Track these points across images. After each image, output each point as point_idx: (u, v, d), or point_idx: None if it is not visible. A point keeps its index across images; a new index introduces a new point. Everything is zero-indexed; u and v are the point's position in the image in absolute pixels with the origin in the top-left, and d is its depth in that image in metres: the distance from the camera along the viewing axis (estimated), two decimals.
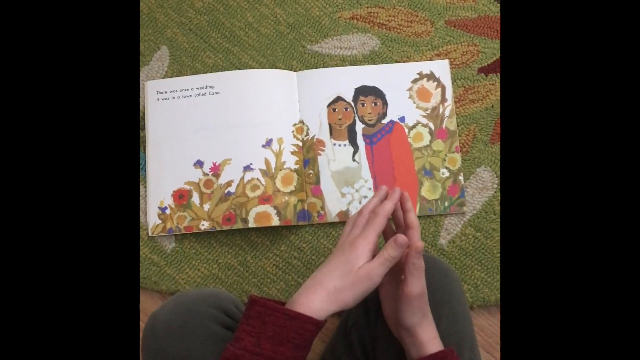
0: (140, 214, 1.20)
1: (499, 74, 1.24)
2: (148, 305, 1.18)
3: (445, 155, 1.19)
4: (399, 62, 1.25)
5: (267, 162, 1.18)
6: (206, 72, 1.25)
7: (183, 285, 1.18)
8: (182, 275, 1.18)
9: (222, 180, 1.18)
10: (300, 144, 1.20)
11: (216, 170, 1.19)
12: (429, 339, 0.80)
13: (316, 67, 1.25)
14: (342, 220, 1.18)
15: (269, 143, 1.18)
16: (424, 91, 1.22)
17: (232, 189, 1.17)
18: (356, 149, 1.20)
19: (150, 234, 1.18)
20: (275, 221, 1.15)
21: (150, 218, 1.19)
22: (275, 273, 1.18)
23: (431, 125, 1.21)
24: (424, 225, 1.19)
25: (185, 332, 0.82)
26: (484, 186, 1.20)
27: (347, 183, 1.18)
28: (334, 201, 1.18)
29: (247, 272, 1.18)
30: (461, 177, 1.19)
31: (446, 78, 1.23)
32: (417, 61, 1.25)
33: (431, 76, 1.23)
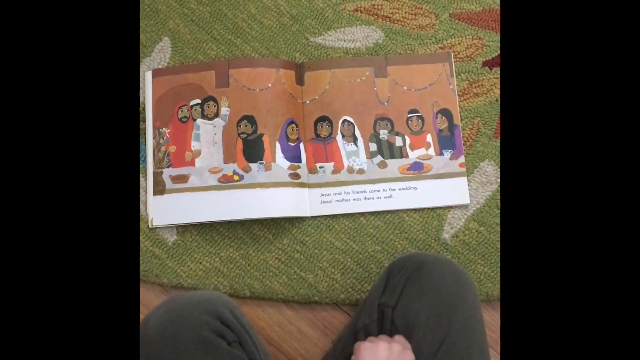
0: (141, 205, 1.16)
1: None
2: (150, 299, 1.14)
3: None
4: (402, 54, 1.21)
5: None
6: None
7: (185, 279, 1.14)
8: (183, 269, 1.14)
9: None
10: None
11: None
12: None
13: (319, 59, 1.21)
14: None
15: None
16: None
17: None
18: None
19: (150, 226, 1.14)
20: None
21: (151, 210, 1.14)
22: (278, 267, 1.14)
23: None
24: (427, 220, 1.15)
25: (176, 340, 0.79)
26: (488, 180, 1.16)
27: None
28: None
29: (249, 266, 1.14)
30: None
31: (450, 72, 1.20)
32: (420, 54, 1.21)
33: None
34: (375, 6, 1.23)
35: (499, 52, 1.21)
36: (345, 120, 1.18)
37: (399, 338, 0.86)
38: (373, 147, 1.17)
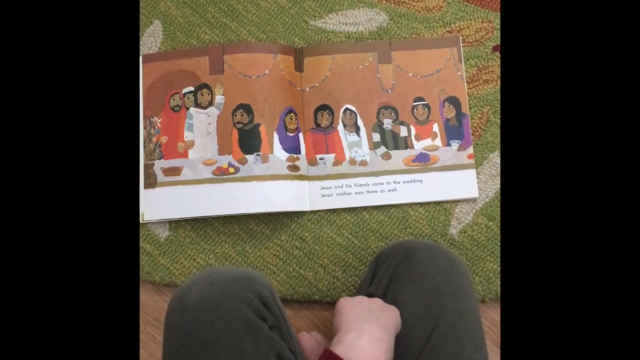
0: None
1: None
2: (141, 297, 1.10)
3: None
4: (407, 39, 1.16)
5: None
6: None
7: (178, 276, 1.10)
8: (176, 266, 1.10)
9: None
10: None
11: None
12: None
13: (319, 44, 1.17)
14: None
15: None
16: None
17: None
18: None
19: (141, 221, 1.10)
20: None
21: (142, 204, 1.11)
22: (276, 264, 1.10)
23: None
24: (433, 214, 1.11)
25: (219, 314, 0.75)
26: (498, 172, 1.12)
27: None
28: None
29: (245, 263, 1.10)
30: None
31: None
32: (426, 38, 1.16)
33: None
34: None
35: None
36: (346, 109, 1.14)
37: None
38: (376, 137, 1.13)
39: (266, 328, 0.77)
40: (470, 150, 1.12)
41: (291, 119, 1.11)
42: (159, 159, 1.11)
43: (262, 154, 1.08)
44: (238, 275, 0.80)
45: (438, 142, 1.13)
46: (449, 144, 1.13)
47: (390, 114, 1.14)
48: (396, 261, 0.88)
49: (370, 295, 0.87)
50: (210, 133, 1.10)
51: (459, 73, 1.14)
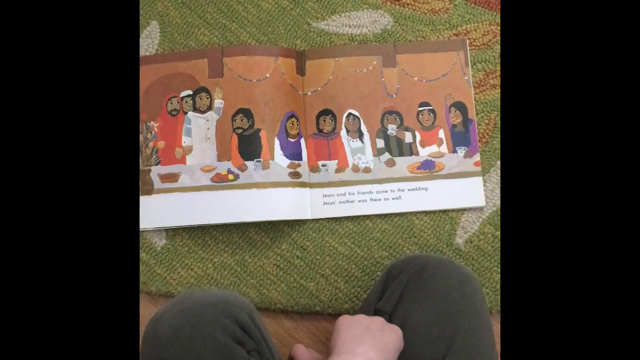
0: None
1: None
2: None
3: None
4: (412, 42, 1.14)
5: None
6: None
7: (175, 287, 1.07)
8: (173, 276, 1.08)
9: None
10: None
11: None
12: None
13: (322, 47, 1.14)
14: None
15: None
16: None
17: None
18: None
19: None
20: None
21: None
22: (276, 274, 1.08)
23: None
24: (439, 223, 1.09)
25: (192, 344, 0.74)
26: None
27: None
28: None
29: (244, 273, 1.08)
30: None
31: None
32: (432, 41, 1.14)
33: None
34: None
35: None
36: (350, 114, 1.12)
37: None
38: (380, 143, 1.11)
39: (244, 353, 0.77)
40: (477, 157, 1.10)
41: (292, 124, 1.09)
42: (156, 164, 1.09)
43: (262, 160, 1.06)
44: (213, 299, 0.79)
45: (444, 148, 1.11)
46: (455, 151, 1.11)
47: (395, 119, 1.11)
48: (407, 276, 0.86)
49: (379, 311, 0.86)
50: (209, 138, 1.08)
51: (466, 77, 1.12)
